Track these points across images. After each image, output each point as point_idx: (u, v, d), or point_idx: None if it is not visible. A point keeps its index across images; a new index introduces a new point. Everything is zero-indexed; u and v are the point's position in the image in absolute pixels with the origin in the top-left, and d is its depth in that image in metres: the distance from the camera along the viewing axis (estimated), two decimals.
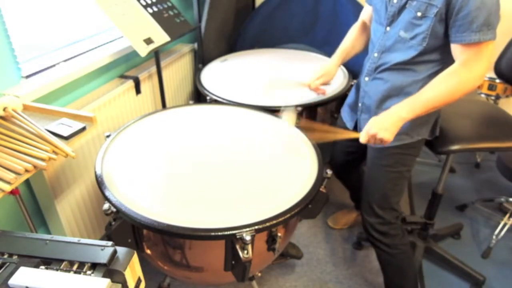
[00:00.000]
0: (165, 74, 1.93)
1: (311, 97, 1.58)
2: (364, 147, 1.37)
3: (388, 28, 1.17)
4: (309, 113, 1.64)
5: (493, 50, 1.02)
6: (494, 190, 2.18)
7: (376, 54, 1.22)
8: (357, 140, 1.38)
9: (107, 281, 0.58)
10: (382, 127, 1.10)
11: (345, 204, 2.04)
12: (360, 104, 1.33)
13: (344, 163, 1.63)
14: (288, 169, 1.13)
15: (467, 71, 1.02)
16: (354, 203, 1.87)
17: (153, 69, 1.79)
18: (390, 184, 1.30)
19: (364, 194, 1.38)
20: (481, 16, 0.96)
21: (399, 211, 1.34)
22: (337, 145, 1.59)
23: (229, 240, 0.93)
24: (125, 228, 0.98)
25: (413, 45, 1.10)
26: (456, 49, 1.04)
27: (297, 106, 1.50)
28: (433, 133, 1.30)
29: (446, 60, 1.09)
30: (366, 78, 1.28)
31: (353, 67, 1.93)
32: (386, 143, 1.12)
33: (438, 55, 1.10)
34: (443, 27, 1.04)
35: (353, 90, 1.44)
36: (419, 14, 1.05)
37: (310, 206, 1.04)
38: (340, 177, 1.74)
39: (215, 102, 1.58)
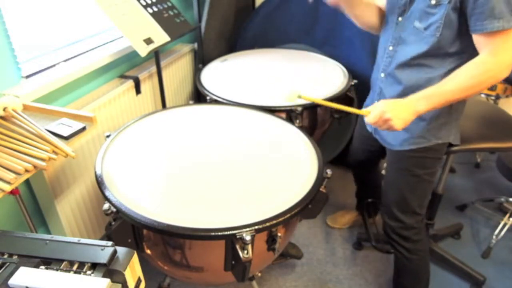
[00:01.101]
0: (165, 74, 1.93)
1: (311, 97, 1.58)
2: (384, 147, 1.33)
3: (400, 19, 1.13)
4: (309, 113, 1.64)
5: None
6: (494, 190, 2.18)
7: (391, 47, 1.18)
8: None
9: (107, 281, 0.58)
10: (398, 115, 1.02)
11: (345, 204, 2.04)
12: (377, 102, 1.27)
13: (363, 160, 1.60)
14: (288, 169, 1.13)
15: (493, 60, 0.97)
16: (357, 200, 1.86)
17: (153, 69, 1.79)
18: (408, 187, 1.25)
19: (384, 197, 1.34)
20: (502, 1, 0.92)
21: (422, 215, 1.28)
22: (357, 143, 1.56)
23: (229, 240, 0.93)
24: (125, 228, 0.98)
25: (427, 36, 1.06)
26: (479, 40, 0.99)
27: (297, 106, 1.50)
28: (456, 138, 1.22)
29: (463, 56, 1.05)
30: (382, 74, 1.23)
31: (353, 67, 1.94)
32: (392, 130, 1.06)
33: (453, 49, 1.05)
34: (457, 16, 1.00)
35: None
36: (433, 1, 1.01)
37: (310, 206, 1.04)
38: (356, 174, 1.73)
39: (215, 102, 1.58)
